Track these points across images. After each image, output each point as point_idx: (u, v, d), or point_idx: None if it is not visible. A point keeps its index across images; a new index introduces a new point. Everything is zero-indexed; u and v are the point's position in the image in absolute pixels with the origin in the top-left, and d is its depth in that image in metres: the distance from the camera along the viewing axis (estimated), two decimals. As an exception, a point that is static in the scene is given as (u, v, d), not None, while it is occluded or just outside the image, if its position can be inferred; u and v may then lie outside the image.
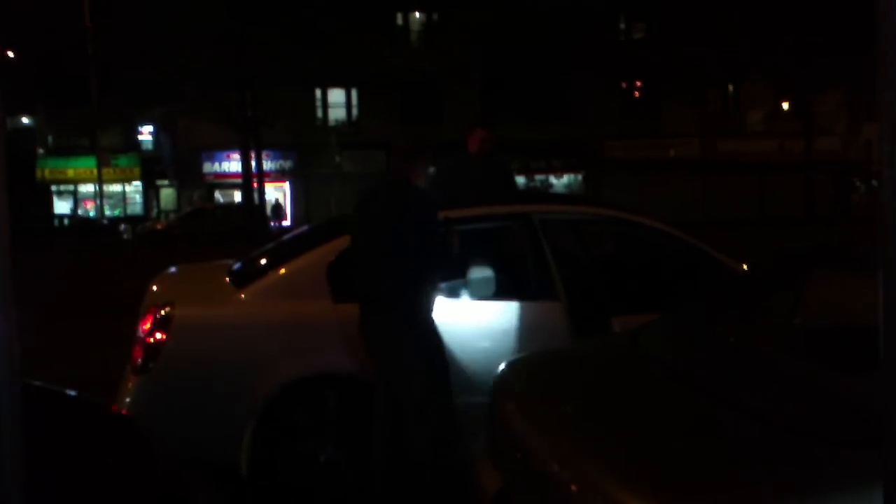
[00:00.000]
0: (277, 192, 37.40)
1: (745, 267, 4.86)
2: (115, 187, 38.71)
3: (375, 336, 4.07)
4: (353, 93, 37.17)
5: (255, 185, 32.92)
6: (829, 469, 2.21)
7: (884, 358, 1.45)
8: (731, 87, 38.03)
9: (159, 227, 33.76)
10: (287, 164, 37.11)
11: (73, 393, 3.20)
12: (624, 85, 37.76)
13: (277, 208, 36.38)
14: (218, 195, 37.96)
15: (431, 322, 4.06)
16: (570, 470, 2.51)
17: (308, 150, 35.42)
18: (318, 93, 36.95)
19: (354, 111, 37.46)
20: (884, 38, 1.34)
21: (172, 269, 5.74)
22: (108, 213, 37.45)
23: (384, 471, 4.04)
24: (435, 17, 36.80)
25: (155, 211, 39.08)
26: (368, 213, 4.18)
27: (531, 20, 31.59)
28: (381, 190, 4.28)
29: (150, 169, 38.11)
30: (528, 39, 31.92)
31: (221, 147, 35.59)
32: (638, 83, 38.04)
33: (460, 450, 4.07)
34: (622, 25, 37.43)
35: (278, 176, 37.00)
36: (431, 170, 4.71)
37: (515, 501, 2.85)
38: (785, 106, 37.76)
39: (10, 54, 33.27)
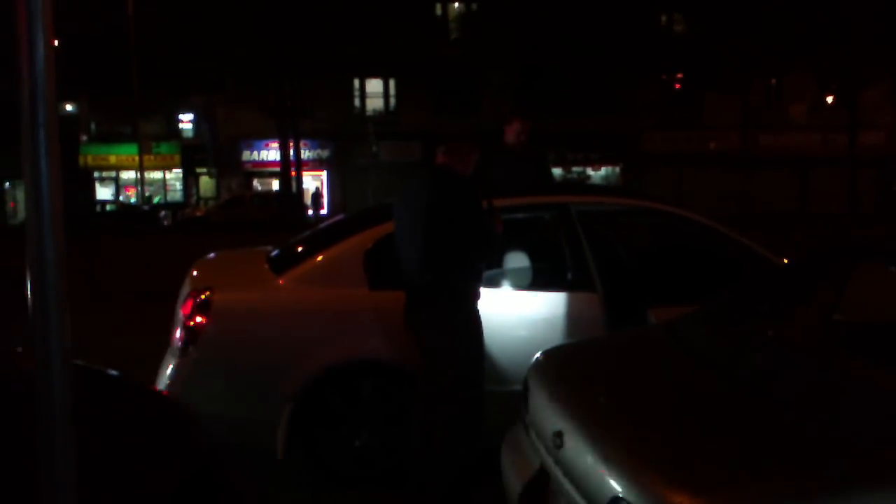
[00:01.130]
0: (315, 182, 37.65)
1: (784, 261, 4.80)
2: (156, 174, 39.24)
3: (421, 323, 4.09)
4: (391, 83, 37.22)
5: (293, 173, 33.16)
6: (870, 466, 2.19)
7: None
8: (773, 80, 37.40)
9: (198, 213, 34.16)
10: (324, 154, 37.32)
11: (114, 373, 3.26)
12: (664, 77, 37.30)
13: (317, 197, 36.62)
14: (256, 183, 38.31)
15: (475, 310, 4.07)
16: (604, 459, 2.52)
17: (345, 140, 35.58)
18: (356, 83, 37.07)
19: (392, 101, 37.53)
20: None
21: (212, 255, 5.82)
22: (148, 199, 37.97)
23: (419, 457, 4.07)
24: (474, 7, 36.68)
25: (194, 198, 39.55)
26: (410, 200, 4.20)
27: (570, 11, 31.34)
28: (424, 178, 4.30)
29: (190, 156, 38.57)
30: (567, 31, 31.69)
31: (260, 136, 35.90)
32: (678, 75, 37.56)
33: (478, 440, 4.09)
34: (663, 17, 36.95)
35: (316, 165, 37.23)
36: None
37: (549, 489, 2.86)
38: (828, 99, 37.06)
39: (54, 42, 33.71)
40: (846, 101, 34.64)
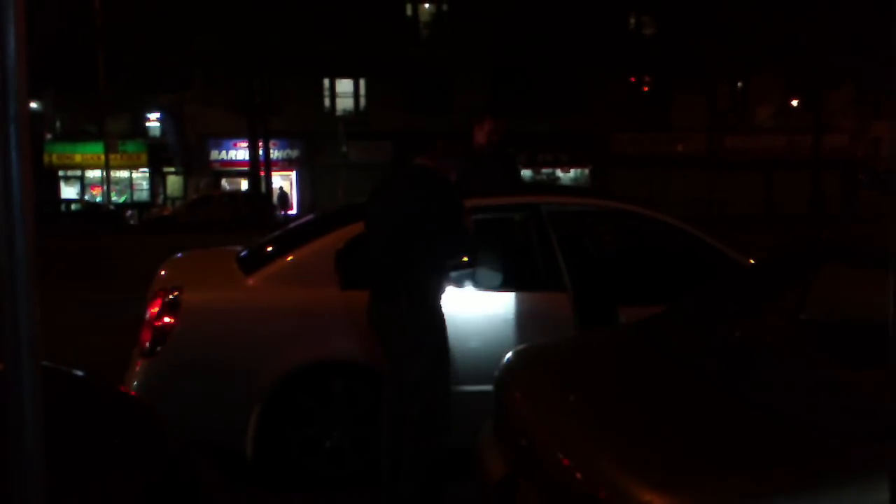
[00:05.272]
0: (284, 181, 37.42)
1: (751, 261, 4.87)
2: (122, 173, 38.78)
3: (383, 320, 4.10)
4: (362, 83, 37.10)
5: (262, 173, 32.95)
6: (837, 463, 2.22)
7: (890, 353, 1.46)
8: (739, 83, 37.86)
9: (166, 213, 33.84)
10: (294, 153, 37.11)
11: (80, 373, 3.22)
12: (633, 79, 37.61)
13: (283, 197, 36.40)
14: (224, 183, 37.99)
15: (439, 308, 4.08)
16: (574, 458, 2.53)
17: (315, 140, 35.40)
18: (327, 82, 36.90)
19: (362, 101, 37.41)
20: (894, 35, 1.34)
21: (181, 255, 5.77)
22: (114, 198, 37.52)
23: (388, 455, 4.08)
24: (444, 7, 36.69)
25: (161, 197, 39.14)
26: (386, 198, 4.21)
27: (541, 12, 31.47)
28: (402, 176, 4.31)
29: (157, 155, 38.15)
30: (538, 32, 31.81)
31: (229, 135, 35.60)
32: (647, 77, 37.87)
33: (446, 436, 4.11)
34: (632, 20, 37.24)
35: (285, 164, 37.01)
36: None
37: (520, 488, 2.87)
38: (794, 102, 37.58)
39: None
40: (811, 105, 35.15)
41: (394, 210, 4.09)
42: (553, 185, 30.44)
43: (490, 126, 6.04)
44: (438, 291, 4.09)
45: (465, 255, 4.34)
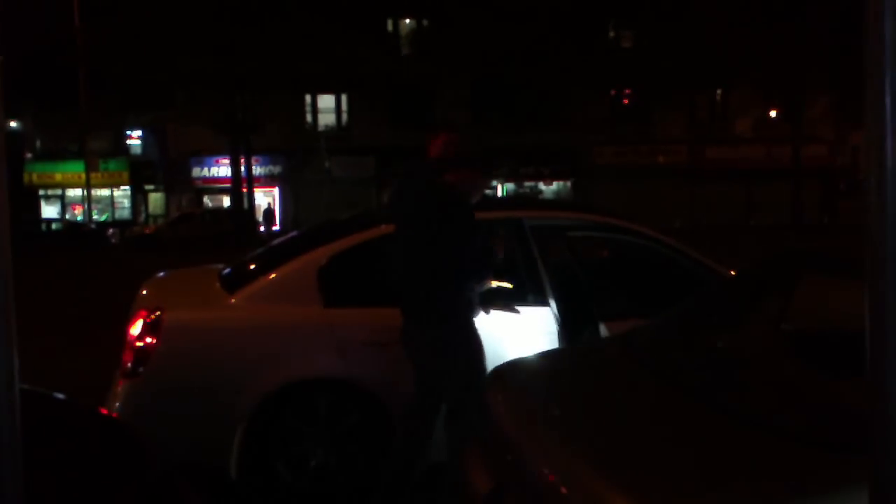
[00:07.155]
0: (267, 198, 37.35)
1: (732, 273, 4.89)
2: (104, 192, 38.57)
3: (414, 341, 4.08)
4: (343, 98, 37.15)
5: (245, 189, 32.86)
6: (817, 473, 2.23)
7: (870, 362, 1.47)
8: (719, 94, 38.18)
9: (147, 231, 33.68)
10: (277, 170, 37.06)
11: (61, 396, 3.19)
12: (613, 92, 37.87)
13: (269, 213, 36.33)
14: (207, 200, 37.87)
15: (471, 325, 4.04)
16: (559, 472, 2.53)
17: (298, 156, 35.40)
18: (309, 98, 36.92)
19: (344, 116, 37.44)
20: (871, 45, 1.36)
21: (162, 274, 5.74)
22: (95, 217, 37.28)
23: (396, 471, 4.06)
24: (425, 23, 36.84)
25: (143, 215, 38.95)
26: (416, 218, 4.10)
27: (521, 27, 31.64)
28: (429, 194, 4.15)
29: (138, 173, 38.00)
30: (519, 46, 31.97)
31: (211, 152, 35.51)
32: (627, 90, 38.15)
33: (429, 452, 4.11)
34: (611, 33, 37.53)
35: (268, 181, 36.95)
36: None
37: (506, 502, 2.86)
38: (773, 113, 37.93)
39: (-1, 57, 33.01)
40: (790, 115, 35.49)
41: (413, 230, 4.05)
42: (536, 199, 30.57)
43: (445, 140, 5.96)
44: (469, 311, 4.03)
45: (487, 277, 4.25)
